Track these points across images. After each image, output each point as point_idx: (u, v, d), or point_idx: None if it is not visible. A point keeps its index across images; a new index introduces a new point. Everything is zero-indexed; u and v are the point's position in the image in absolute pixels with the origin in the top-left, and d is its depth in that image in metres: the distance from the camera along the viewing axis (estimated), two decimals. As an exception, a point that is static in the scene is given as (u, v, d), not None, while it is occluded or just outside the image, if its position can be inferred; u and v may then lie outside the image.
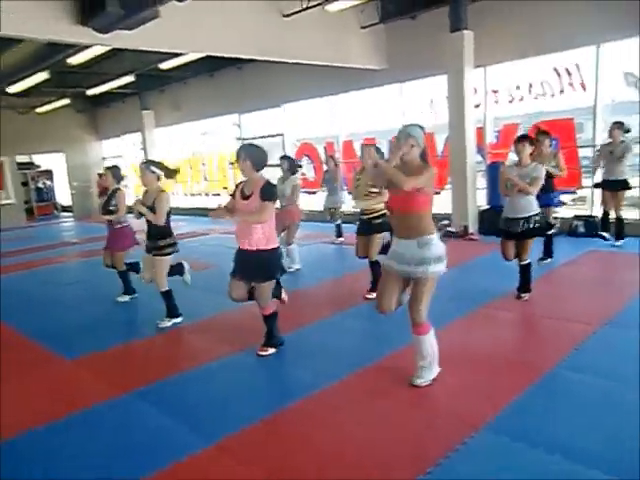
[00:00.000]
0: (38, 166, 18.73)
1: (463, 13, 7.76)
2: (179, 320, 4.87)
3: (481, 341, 3.99)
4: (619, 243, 6.77)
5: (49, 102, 15.05)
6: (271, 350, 3.96)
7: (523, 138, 4.78)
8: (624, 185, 6.54)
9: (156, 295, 4.91)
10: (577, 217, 7.62)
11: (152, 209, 4.65)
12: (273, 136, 12.56)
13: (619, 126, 6.49)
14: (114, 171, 5.76)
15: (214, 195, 14.66)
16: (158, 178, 4.74)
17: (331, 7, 7.27)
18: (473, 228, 8.42)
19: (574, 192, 7.75)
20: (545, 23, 7.60)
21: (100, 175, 17.15)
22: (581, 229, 7.45)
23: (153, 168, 4.69)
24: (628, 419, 2.71)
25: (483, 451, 2.51)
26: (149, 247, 4.76)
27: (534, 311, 4.68)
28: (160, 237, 4.67)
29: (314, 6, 7.55)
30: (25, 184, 17.65)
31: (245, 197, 3.77)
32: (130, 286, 5.85)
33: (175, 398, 3.32)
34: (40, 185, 18.57)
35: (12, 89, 11.35)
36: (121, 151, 17.69)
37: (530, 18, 7.75)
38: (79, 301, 6.09)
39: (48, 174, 18.82)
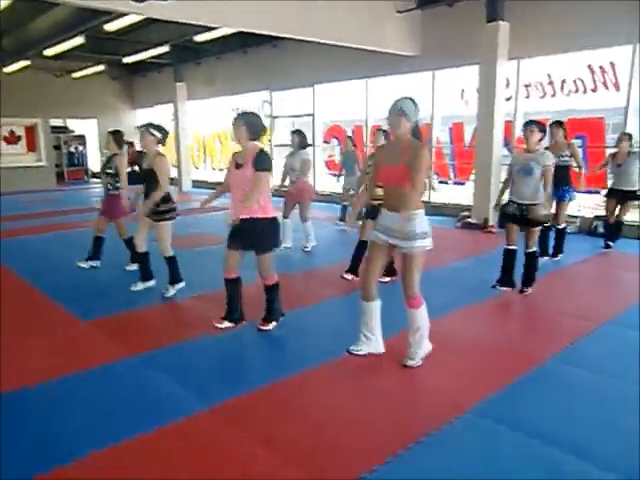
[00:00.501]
0: (72, 131, 19.02)
1: (500, 3, 7.69)
2: (182, 285, 4.95)
3: (481, 330, 4.11)
4: (612, 244, 6.72)
5: (85, 67, 15.31)
6: (272, 324, 4.00)
7: (531, 123, 4.66)
8: (633, 196, 6.46)
9: (157, 269, 5.04)
10: (597, 217, 7.58)
11: (150, 172, 4.63)
12: (304, 116, 12.65)
13: (628, 137, 6.42)
14: (116, 136, 5.73)
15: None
16: (158, 142, 4.69)
17: (367, -10, 7.24)
18: (493, 221, 8.42)
19: (598, 192, 7.68)
20: (582, 19, 7.49)
21: (130, 143, 17.56)
22: (600, 229, 7.41)
23: (153, 130, 4.65)
24: (614, 411, 2.81)
25: (466, 432, 2.63)
26: (150, 213, 4.71)
27: (538, 305, 4.75)
28: (161, 201, 4.65)
29: (350, -12, 7.55)
30: (57, 147, 17.93)
31: (238, 166, 3.73)
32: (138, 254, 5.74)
33: (180, 363, 3.47)
34: (72, 150, 18.87)
35: (48, 52, 11.53)
36: (153, 121, 17.97)
37: (567, 13, 7.62)
38: (99, 265, 6.21)
39: (81, 139, 19.09)
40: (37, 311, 4.63)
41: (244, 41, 12.16)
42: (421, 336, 3.33)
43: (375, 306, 3.38)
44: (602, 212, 7.48)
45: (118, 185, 5.60)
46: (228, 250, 3.90)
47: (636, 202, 6.70)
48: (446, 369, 3.39)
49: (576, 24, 7.56)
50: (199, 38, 11.02)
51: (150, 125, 4.76)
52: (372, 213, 5.01)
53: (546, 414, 2.79)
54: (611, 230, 6.74)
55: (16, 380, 3.23)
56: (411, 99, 3.25)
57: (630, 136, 6.49)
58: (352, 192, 8.65)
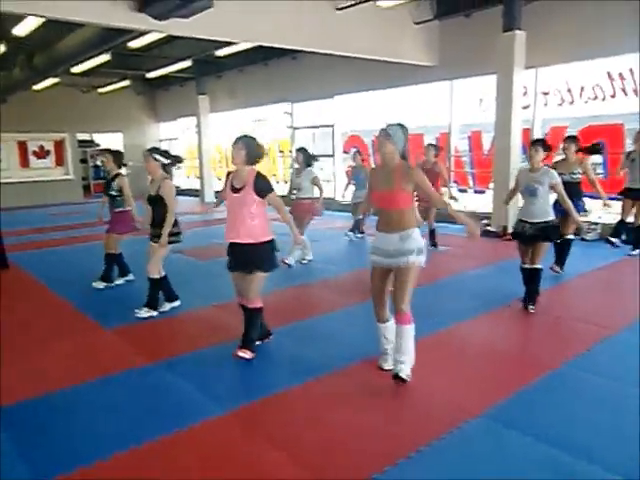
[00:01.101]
0: (98, 144, 19.56)
1: (517, 13, 7.71)
2: (155, 313, 4.74)
3: (495, 337, 4.12)
4: (635, 252, 6.65)
5: (110, 83, 15.81)
6: (249, 354, 3.65)
7: (536, 142, 4.63)
8: None
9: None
10: (622, 222, 7.46)
11: (156, 198, 4.60)
12: (324, 127, 12.81)
13: None
14: (115, 155, 5.70)
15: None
16: (162, 166, 4.65)
17: (382, 3, 7.37)
18: (512, 229, 8.38)
19: (617, 198, 7.57)
20: (599, 26, 7.48)
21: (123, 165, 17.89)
22: (623, 236, 7.29)
23: (156, 156, 4.61)
24: (627, 419, 2.80)
25: (476, 435, 2.66)
26: (152, 235, 4.73)
27: (553, 311, 4.74)
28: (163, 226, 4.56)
29: (365, 1, 7.68)
30: (84, 161, 18.47)
31: (235, 190, 3.62)
32: (110, 274, 5.84)
33: (198, 370, 3.57)
34: (98, 163, 19.41)
35: (76, 69, 11.97)
36: (175, 134, 18.40)
37: (584, 21, 7.63)
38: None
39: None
40: (61, 319, 4.81)
41: (265, 54, 12.40)
42: (408, 354, 3.25)
43: (390, 325, 3.40)
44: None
45: (121, 204, 5.70)
46: (232, 274, 3.80)
47: None
48: (459, 375, 3.43)
49: (593, 32, 7.55)
50: (220, 52, 11.31)
51: (154, 150, 4.76)
52: None
53: (557, 419, 2.81)
54: (620, 229, 6.68)
55: (41, 386, 3.37)
56: (400, 125, 3.33)
57: None
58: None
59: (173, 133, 18.66)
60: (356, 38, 8.51)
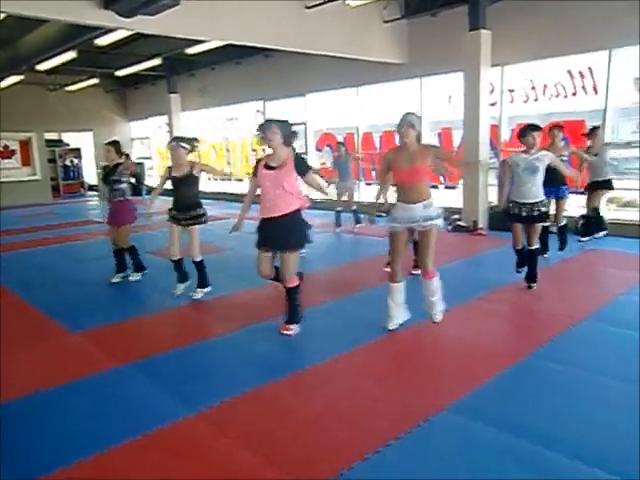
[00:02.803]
0: (67, 144, 19.17)
1: (482, 13, 7.88)
2: (209, 289, 5.21)
3: (464, 329, 4.22)
4: (600, 235, 7.14)
5: (79, 81, 15.47)
6: (294, 327, 4.06)
7: (533, 129, 4.90)
8: (607, 185, 6.93)
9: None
10: (583, 216, 7.71)
11: (183, 179, 4.99)
12: (296, 125, 12.76)
13: (599, 131, 6.90)
14: (116, 146, 5.97)
15: (237, 180, 15.00)
16: (187, 152, 5.08)
17: (351, 2, 7.43)
18: (482, 223, 8.57)
19: (583, 192, 7.82)
20: (561, 26, 7.72)
21: (127, 156, 17.65)
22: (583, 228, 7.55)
23: (183, 144, 5.03)
24: (590, 405, 2.92)
25: (442, 429, 2.73)
26: (178, 217, 5.03)
27: (521, 303, 4.89)
28: (193, 207, 5.03)
29: None
30: (52, 161, 18.03)
31: (270, 167, 3.87)
32: (140, 264, 6.02)
33: (167, 371, 3.56)
34: (67, 163, 18.97)
35: (41, 66, 11.63)
36: (148, 133, 18.14)
37: (547, 21, 7.85)
38: (94, 277, 6.34)
39: (76, 152, 19.20)
40: (27, 325, 4.69)
41: (237, 52, 12.32)
42: (439, 298, 4.10)
43: (401, 286, 4.12)
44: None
45: (122, 193, 5.79)
46: (260, 253, 4.05)
47: (607, 191, 7.10)
48: (426, 369, 3.51)
49: (554, 32, 7.80)
50: (191, 50, 11.20)
51: (179, 139, 5.16)
52: None
53: (522, 409, 2.90)
54: (597, 220, 7.15)
55: (8, 393, 3.30)
56: (414, 114, 4.00)
57: (599, 129, 6.98)
58: (345, 198, 8.84)
59: (144, 132, 18.41)
60: (326, 36, 8.55)
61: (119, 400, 3.18)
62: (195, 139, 5.25)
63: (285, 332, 4.06)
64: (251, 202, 4.24)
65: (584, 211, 7.32)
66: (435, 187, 10.22)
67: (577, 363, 3.47)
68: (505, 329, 4.34)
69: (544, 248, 6.21)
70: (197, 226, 5.06)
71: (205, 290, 5.22)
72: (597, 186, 6.99)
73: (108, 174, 5.85)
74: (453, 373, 3.44)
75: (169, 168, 5.15)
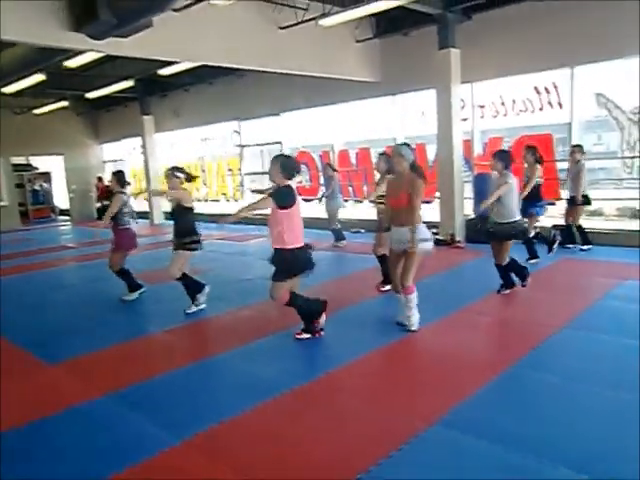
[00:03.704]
0: (35, 168, 18.81)
1: (451, 32, 8.13)
2: (203, 299, 5.40)
3: (448, 342, 4.25)
4: (587, 247, 7.45)
5: (47, 104, 15.14)
6: (304, 335, 4.37)
7: (495, 155, 5.34)
8: (585, 201, 7.27)
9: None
10: (555, 227, 7.91)
11: (180, 210, 5.32)
12: (272, 144, 12.86)
13: (580, 149, 7.21)
14: (119, 176, 6.11)
15: (213, 201, 14.90)
16: (181, 182, 5.39)
17: (324, 22, 7.55)
18: (460, 236, 8.69)
19: (553, 203, 8.04)
20: (526, 45, 8.03)
21: (99, 178, 17.47)
22: (558, 237, 7.72)
23: (177, 174, 5.36)
24: (573, 412, 2.96)
25: (433, 444, 2.71)
26: (175, 244, 5.33)
27: (502, 314, 4.97)
28: (185, 234, 5.28)
29: (308, 20, 7.84)
30: (20, 186, 17.64)
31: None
32: (134, 282, 6.08)
33: (149, 399, 3.45)
34: (37, 187, 18.61)
35: (7, 89, 11.29)
36: (121, 155, 17.94)
37: (513, 40, 8.17)
38: (69, 305, 6.20)
39: (46, 176, 18.87)
40: (1, 360, 4.41)
41: (210, 73, 12.33)
42: (414, 312, 4.41)
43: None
44: (560, 222, 7.92)
45: (125, 221, 5.98)
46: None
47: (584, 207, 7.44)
48: (411, 384, 3.51)
49: (520, 50, 8.11)
50: (164, 72, 11.15)
51: (175, 169, 5.46)
52: (380, 227, 5.62)
53: (509, 419, 2.91)
54: (572, 234, 7.54)
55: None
56: (407, 144, 4.58)
57: (581, 147, 7.26)
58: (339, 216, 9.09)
59: (117, 154, 18.19)
60: (300, 56, 8.64)
61: (102, 433, 3.06)
62: (189, 173, 5.55)
63: (296, 336, 4.40)
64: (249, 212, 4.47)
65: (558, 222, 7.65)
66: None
67: (560, 371, 3.51)
68: (488, 340, 4.38)
69: (533, 256, 6.69)
70: (183, 251, 5.28)
71: (199, 307, 5.38)
72: (571, 201, 7.34)
73: (107, 205, 6.10)
74: (439, 387, 3.44)
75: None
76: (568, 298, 5.33)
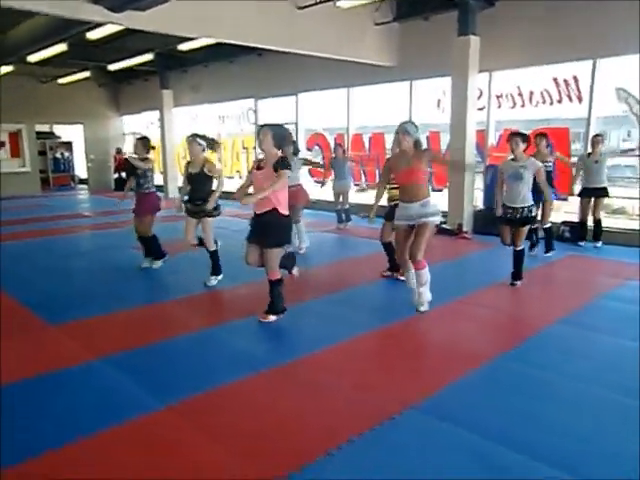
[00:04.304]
0: (58, 137, 19.08)
1: (471, 19, 7.97)
2: (220, 277, 5.49)
3: (439, 331, 4.31)
4: (599, 244, 7.30)
5: (70, 74, 15.38)
6: (272, 317, 4.29)
7: (515, 135, 5.19)
8: (605, 192, 7.08)
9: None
10: (564, 223, 7.85)
11: (198, 175, 5.27)
12: (287, 124, 12.84)
13: (602, 138, 7.05)
14: (144, 141, 6.18)
15: (228, 178, 14.98)
16: (203, 149, 5.34)
17: (342, 3, 7.49)
18: (467, 227, 8.65)
19: (565, 199, 7.95)
20: (548, 35, 7.83)
21: (118, 150, 17.68)
22: (567, 234, 7.68)
23: (199, 140, 5.29)
24: (556, 407, 2.99)
25: (406, 428, 2.77)
26: (193, 211, 5.35)
27: (498, 306, 4.97)
28: (206, 200, 5.24)
29: (326, 1, 7.78)
30: (43, 153, 17.94)
31: (260, 168, 4.20)
32: (161, 251, 6.22)
33: (143, 365, 3.58)
34: (58, 155, 18.90)
35: (31, 58, 11.56)
36: (140, 128, 18.07)
37: (535, 30, 7.98)
38: (79, 271, 6.41)
39: (67, 145, 19.13)
40: (5, 317, 4.62)
41: (230, 50, 12.31)
42: (426, 288, 4.47)
43: (412, 272, 4.58)
44: (569, 218, 7.83)
45: (150, 185, 6.04)
46: (248, 245, 4.30)
47: (603, 199, 7.22)
48: (396, 368, 3.57)
49: (542, 40, 7.91)
50: (183, 47, 11.20)
51: (196, 135, 5.38)
52: (391, 215, 5.27)
53: (486, 409, 2.96)
54: (584, 230, 7.36)
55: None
56: (412, 122, 4.61)
57: (602, 137, 7.12)
58: (341, 199, 9.06)
59: (137, 127, 18.34)
60: (317, 37, 8.60)
61: (91, 393, 3.20)
62: (215, 140, 5.49)
63: (262, 320, 4.28)
64: (244, 192, 4.44)
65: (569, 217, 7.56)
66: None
67: (545, 365, 3.54)
68: (479, 331, 4.40)
69: (548, 248, 6.72)
70: (209, 218, 5.35)
71: (219, 277, 5.49)
72: (590, 193, 7.14)
73: (135, 167, 6.05)
74: (422, 373, 3.50)
75: (188, 164, 5.43)
76: (567, 294, 5.33)
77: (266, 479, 2.34)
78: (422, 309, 4.47)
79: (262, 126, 4.23)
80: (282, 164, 4.05)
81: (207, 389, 3.21)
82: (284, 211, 4.17)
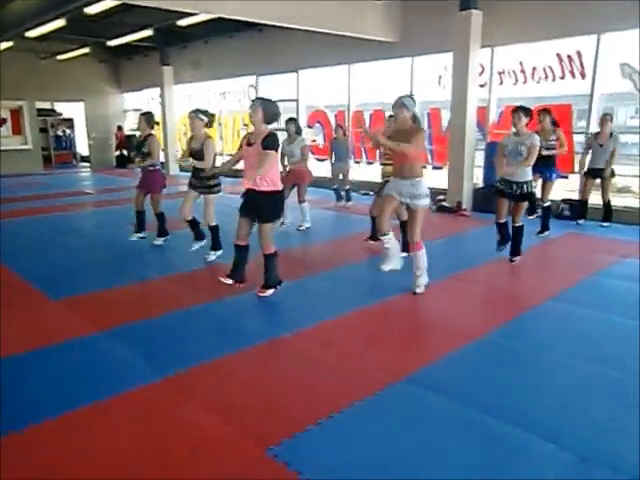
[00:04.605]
0: (59, 114, 18.98)
1: (473, -8, 7.82)
2: (220, 253, 5.54)
3: (433, 306, 4.38)
4: (606, 224, 7.26)
5: (70, 50, 15.22)
6: (270, 291, 4.40)
7: (518, 109, 5.10)
8: (612, 174, 6.99)
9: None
10: (564, 200, 7.84)
11: (201, 151, 5.27)
12: (288, 101, 12.75)
13: (610, 118, 6.87)
14: (147, 117, 6.15)
15: (228, 155, 14.94)
16: (205, 125, 5.34)
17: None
18: (467, 204, 8.66)
19: (566, 177, 7.93)
20: (551, 9, 7.69)
21: (119, 127, 17.61)
22: (566, 212, 7.69)
23: (201, 116, 5.29)
24: (539, 380, 3.07)
25: (396, 398, 2.84)
26: (196, 185, 5.42)
27: (492, 282, 5.03)
28: (208, 178, 5.32)
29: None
30: (44, 130, 17.85)
31: (250, 144, 4.20)
32: (164, 229, 6.32)
33: (142, 338, 3.68)
34: (59, 133, 18.83)
35: (30, 33, 11.48)
36: (140, 104, 17.97)
37: (537, 4, 7.82)
38: (80, 248, 6.45)
39: (69, 122, 19.04)
40: (7, 291, 4.73)
41: (230, 26, 12.16)
42: (423, 271, 4.43)
43: (391, 236, 4.44)
44: (569, 195, 7.82)
45: (156, 162, 6.06)
46: (240, 218, 4.35)
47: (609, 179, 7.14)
48: (388, 342, 3.64)
49: (546, 14, 7.76)
50: (182, 22, 11.07)
51: (198, 111, 5.37)
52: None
53: (473, 382, 3.03)
54: (585, 209, 7.37)
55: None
56: (410, 96, 4.43)
57: (611, 117, 6.95)
58: (341, 177, 9.04)
59: (137, 104, 18.23)
60: (321, 13, 8.49)
61: (91, 364, 3.29)
62: (211, 114, 5.44)
63: (261, 294, 4.40)
64: (230, 167, 4.59)
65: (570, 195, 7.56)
66: (423, 167, 10.27)
67: (534, 341, 3.60)
68: (471, 307, 4.46)
69: (544, 227, 6.65)
70: (211, 195, 5.41)
71: (218, 253, 5.56)
72: (595, 174, 7.06)
73: (140, 144, 6.10)
74: (411, 348, 3.57)
75: (191, 139, 5.45)
76: (562, 272, 5.38)
77: (259, 448, 2.43)
78: (419, 291, 4.47)
79: (253, 101, 4.23)
80: (269, 142, 4.08)
81: (203, 361, 3.29)
82: (275, 188, 4.22)
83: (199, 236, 5.81)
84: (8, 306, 4.34)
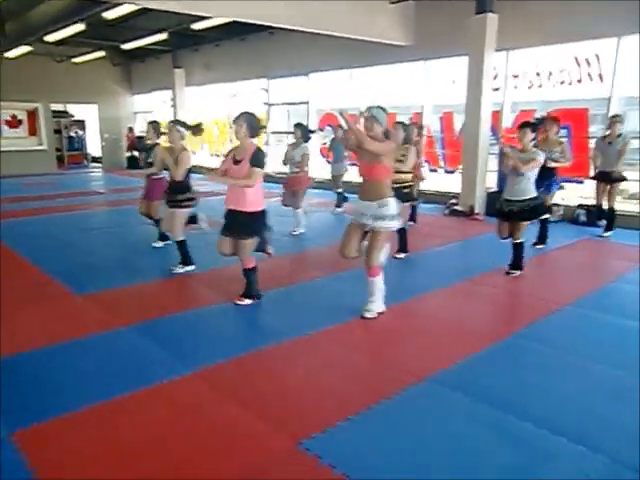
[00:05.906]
0: (72, 115, 19.21)
1: (489, -4, 7.85)
2: (190, 268, 5.34)
3: (449, 310, 4.39)
4: (607, 234, 7.01)
5: (85, 53, 15.46)
6: (247, 301, 4.34)
7: (525, 125, 5.01)
8: (621, 177, 6.77)
9: (172, 245, 5.44)
10: (580, 206, 7.83)
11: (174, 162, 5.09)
12: (299, 104, 12.84)
13: (620, 119, 6.67)
14: (154, 126, 6.19)
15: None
16: (182, 137, 5.15)
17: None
18: (479, 208, 8.67)
19: (581, 182, 7.93)
20: (569, 12, 7.66)
21: (130, 129, 17.77)
22: (582, 217, 7.67)
23: (179, 128, 5.14)
24: (561, 382, 3.09)
25: (420, 398, 2.87)
26: (168, 200, 5.27)
27: (510, 287, 5.03)
28: (179, 192, 5.16)
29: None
30: (58, 132, 18.11)
31: (236, 162, 4.09)
32: (164, 233, 6.29)
33: (169, 333, 3.76)
34: (72, 134, 19.04)
35: (49, 37, 11.61)
36: (152, 107, 18.13)
37: (554, 6, 7.81)
38: (98, 246, 6.59)
39: (81, 124, 19.26)
40: (35, 286, 4.88)
41: (242, 28, 12.27)
42: (377, 298, 4.02)
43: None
44: (585, 201, 7.74)
45: (154, 171, 6.04)
46: (220, 236, 4.26)
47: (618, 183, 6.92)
48: (409, 344, 3.68)
49: (563, 18, 7.75)
50: (196, 26, 11.19)
51: (177, 122, 5.26)
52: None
53: (497, 382, 3.06)
54: (602, 213, 7.07)
55: (12, 347, 3.47)
56: (382, 108, 3.92)
57: (621, 117, 6.75)
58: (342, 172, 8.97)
59: (148, 106, 18.39)
60: (333, 16, 8.55)
61: (120, 358, 3.37)
62: (198, 125, 5.26)
63: (238, 302, 4.33)
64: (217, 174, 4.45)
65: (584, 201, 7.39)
66: (434, 171, 10.33)
67: (556, 344, 3.61)
68: (490, 311, 4.47)
69: (542, 241, 6.37)
70: (180, 209, 5.19)
71: (187, 268, 5.33)
72: (605, 177, 6.86)
73: (147, 153, 6.16)
74: (434, 349, 3.59)
75: (169, 149, 5.24)
76: (579, 277, 5.36)
77: (290, 442, 2.47)
78: (368, 315, 4.00)
79: (238, 116, 4.11)
80: (257, 160, 4.02)
81: (230, 357, 3.35)
82: (256, 208, 4.14)
83: (186, 260, 5.43)
84: (37, 300, 4.46)
